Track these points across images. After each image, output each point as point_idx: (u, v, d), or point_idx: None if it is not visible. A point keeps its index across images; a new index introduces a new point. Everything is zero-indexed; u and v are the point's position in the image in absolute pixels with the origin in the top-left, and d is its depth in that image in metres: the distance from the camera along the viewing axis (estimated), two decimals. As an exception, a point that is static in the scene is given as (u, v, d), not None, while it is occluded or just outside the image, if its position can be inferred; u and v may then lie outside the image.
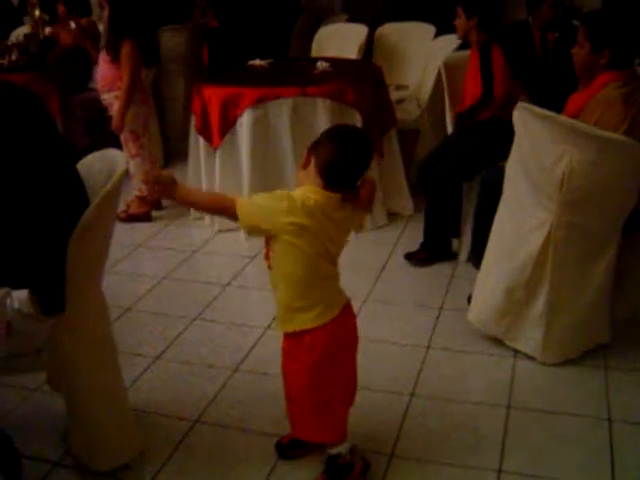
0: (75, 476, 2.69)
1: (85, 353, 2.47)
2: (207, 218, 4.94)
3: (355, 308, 2.50)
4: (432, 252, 4.29)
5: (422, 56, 5.82)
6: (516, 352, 3.31)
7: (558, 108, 3.17)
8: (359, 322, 2.50)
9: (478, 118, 4.28)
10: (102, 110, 5.08)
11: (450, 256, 4.31)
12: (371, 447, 2.70)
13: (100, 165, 2.59)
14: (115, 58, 4.72)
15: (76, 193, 2.41)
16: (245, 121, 4.53)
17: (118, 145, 4.63)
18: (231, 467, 2.68)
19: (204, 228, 4.93)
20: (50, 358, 2.47)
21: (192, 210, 5.07)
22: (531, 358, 3.25)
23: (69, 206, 2.33)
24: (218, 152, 4.69)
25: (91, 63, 5.73)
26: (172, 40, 6.36)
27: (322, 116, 4.53)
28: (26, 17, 6.92)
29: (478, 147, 4.22)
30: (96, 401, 2.55)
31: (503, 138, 4.19)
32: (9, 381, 3.03)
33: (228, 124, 4.59)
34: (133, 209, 5.08)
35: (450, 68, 4.63)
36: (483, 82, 4.21)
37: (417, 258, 4.29)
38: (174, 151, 6.15)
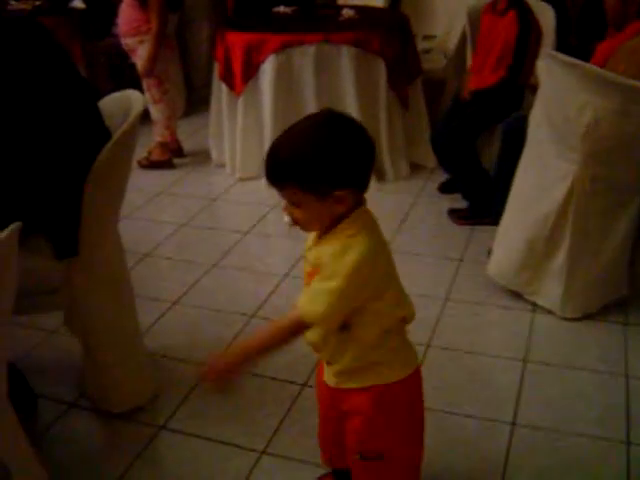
0: (90, 417, 2.71)
1: (100, 294, 2.48)
2: (228, 166, 4.91)
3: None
4: (475, 213, 4.13)
5: (450, 6, 5.69)
6: (535, 306, 3.28)
7: (587, 56, 3.09)
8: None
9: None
10: (125, 56, 5.05)
11: (492, 217, 3.76)
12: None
13: (117, 106, 2.55)
14: (143, 2, 4.66)
15: (96, 134, 2.36)
16: (268, 68, 4.47)
17: (140, 91, 4.60)
18: (244, 411, 2.70)
19: (225, 176, 4.90)
20: (65, 298, 2.47)
21: (214, 157, 5.05)
22: (550, 312, 3.22)
23: (88, 146, 2.29)
24: (240, 99, 4.64)
25: (115, 9, 5.67)
26: (196, -15, 6.28)
27: (346, 64, 4.46)
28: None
29: (486, 112, 4.16)
30: (110, 343, 2.57)
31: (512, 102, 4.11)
32: (28, 322, 3.06)
33: (251, 71, 4.53)
34: (155, 156, 5.05)
35: (475, 18, 4.52)
36: (516, 56, 3.93)
37: (458, 215, 4.17)
38: (198, 98, 6.10)
